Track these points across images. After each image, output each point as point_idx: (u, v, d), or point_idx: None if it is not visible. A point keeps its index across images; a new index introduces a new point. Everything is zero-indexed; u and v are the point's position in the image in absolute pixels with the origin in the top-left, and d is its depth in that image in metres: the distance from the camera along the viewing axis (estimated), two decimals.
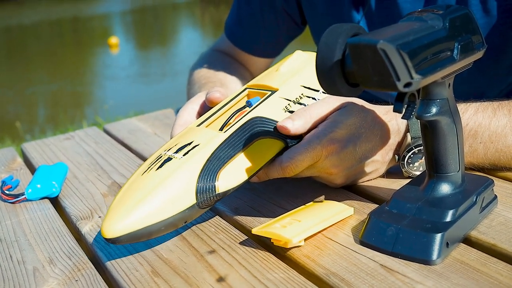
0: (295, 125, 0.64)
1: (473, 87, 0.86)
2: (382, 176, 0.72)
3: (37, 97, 6.21)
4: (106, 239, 0.56)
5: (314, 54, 0.78)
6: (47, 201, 0.76)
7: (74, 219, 0.70)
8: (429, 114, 0.54)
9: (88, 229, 0.67)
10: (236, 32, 1.12)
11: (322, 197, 0.67)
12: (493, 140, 0.67)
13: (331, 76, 0.51)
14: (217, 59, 1.09)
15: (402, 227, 0.54)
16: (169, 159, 0.60)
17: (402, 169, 0.69)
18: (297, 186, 0.72)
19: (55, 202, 0.77)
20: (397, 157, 0.69)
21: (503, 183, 0.67)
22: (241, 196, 0.71)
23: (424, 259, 0.52)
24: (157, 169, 0.59)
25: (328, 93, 0.53)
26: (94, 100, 5.97)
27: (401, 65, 0.46)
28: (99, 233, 0.65)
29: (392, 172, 0.71)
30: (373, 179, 0.71)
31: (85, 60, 8.72)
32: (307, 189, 0.71)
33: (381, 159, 0.69)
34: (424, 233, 0.53)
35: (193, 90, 0.96)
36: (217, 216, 0.67)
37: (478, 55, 0.55)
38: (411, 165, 0.69)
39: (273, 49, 1.11)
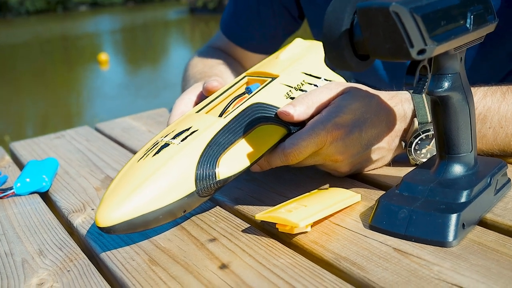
0: (297, 110, 0.61)
1: (477, 75, 0.84)
2: (388, 164, 0.69)
3: (26, 114, 6.15)
4: (100, 228, 0.52)
5: (315, 42, 0.76)
6: (36, 196, 0.73)
7: (66, 212, 0.66)
8: (441, 89, 0.51)
9: (80, 221, 0.63)
10: (232, 27, 1.10)
11: (327, 185, 0.64)
12: (503, 125, 0.65)
13: (339, 47, 0.48)
14: (213, 55, 1.06)
15: (415, 208, 0.51)
16: (166, 145, 0.57)
17: (409, 156, 0.66)
18: (300, 175, 0.69)
19: (45, 197, 0.73)
20: (403, 143, 0.66)
21: None
22: (241, 186, 0.68)
23: (440, 240, 0.49)
24: (154, 155, 0.56)
25: (335, 67, 0.51)
26: (84, 116, 5.91)
27: (414, 29, 0.43)
28: (93, 225, 0.62)
29: (399, 160, 0.68)
30: (379, 167, 0.68)
31: (74, 77, 8.68)
32: (310, 178, 0.68)
33: (387, 146, 0.66)
34: (439, 214, 0.50)
35: (189, 85, 0.93)
36: (217, 206, 0.63)
37: (490, 28, 0.53)
38: (418, 152, 0.66)
39: (270, 44, 1.09)
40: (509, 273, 0.44)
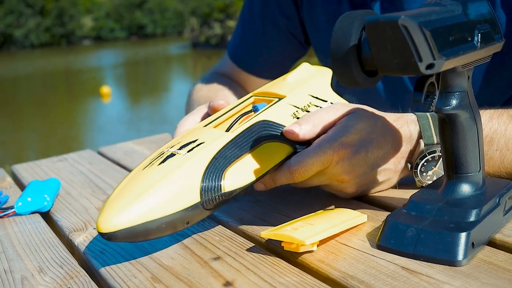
0: (303, 129, 0.61)
1: (479, 100, 0.84)
2: (394, 187, 0.68)
3: (26, 145, 6.16)
4: (101, 234, 0.51)
5: (322, 67, 0.76)
6: (37, 215, 0.72)
7: (67, 231, 0.65)
8: (448, 107, 0.51)
9: (82, 240, 0.62)
10: (239, 53, 1.11)
11: (332, 206, 0.63)
12: (510, 147, 0.64)
13: (347, 62, 0.48)
14: (217, 81, 1.06)
15: (424, 227, 0.50)
16: (172, 155, 0.57)
17: (415, 179, 0.66)
18: (305, 196, 0.69)
19: (46, 216, 0.72)
20: (409, 165, 0.66)
21: None
22: (245, 207, 0.67)
23: (449, 260, 0.48)
24: (159, 164, 0.56)
25: (342, 83, 0.50)
26: (85, 148, 5.92)
27: (423, 43, 0.43)
28: (94, 242, 0.60)
29: (404, 183, 0.68)
30: (385, 190, 0.68)
31: (76, 109, 8.73)
32: (314, 199, 0.67)
33: (394, 167, 0.65)
34: (448, 232, 0.49)
35: (193, 109, 0.93)
36: (220, 226, 0.63)
37: (497, 47, 0.53)
38: (424, 174, 0.65)
39: (276, 70, 1.09)
40: None
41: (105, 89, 9.61)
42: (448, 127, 0.53)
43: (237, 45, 1.11)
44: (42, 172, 0.92)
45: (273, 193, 0.71)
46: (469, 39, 0.48)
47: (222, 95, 0.97)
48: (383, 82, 0.94)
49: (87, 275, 0.54)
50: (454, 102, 0.51)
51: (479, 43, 0.49)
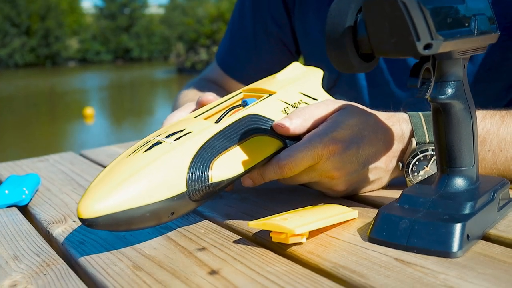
0: (293, 123, 0.59)
1: None
2: (385, 187, 0.66)
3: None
4: (82, 220, 0.48)
5: (313, 67, 0.75)
6: (14, 209, 0.69)
7: (45, 224, 0.62)
8: (444, 96, 0.50)
9: (60, 231, 0.59)
10: (227, 59, 1.09)
11: (322, 204, 0.62)
12: (503, 148, 0.63)
13: (342, 44, 0.47)
14: (205, 87, 1.05)
15: (417, 219, 0.49)
16: (158, 143, 0.55)
17: (406, 179, 0.64)
18: (293, 195, 0.67)
19: (24, 211, 0.69)
20: (400, 165, 0.64)
21: None
22: (232, 204, 0.65)
23: (444, 251, 0.46)
24: (145, 151, 0.53)
25: (337, 67, 0.49)
26: None
27: (421, 22, 0.42)
28: (73, 234, 0.58)
29: (395, 184, 0.66)
30: (376, 190, 0.66)
31: (58, 130, 8.63)
32: (303, 197, 0.65)
33: (385, 166, 0.64)
34: (442, 223, 0.48)
35: None
36: (206, 220, 0.60)
37: (493, 38, 0.52)
38: (415, 173, 0.64)
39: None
40: None
41: (89, 111, 9.54)
42: (442, 117, 0.52)
43: (225, 51, 1.10)
44: (22, 171, 0.89)
45: (260, 191, 0.69)
46: (466, 24, 0.48)
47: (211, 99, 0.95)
48: (368, 87, 0.93)
49: (65, 263, 0.51)
50: (449, 91, 0.50)
51: (475, 30, 0.48)
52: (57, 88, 16.83)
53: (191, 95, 0.99)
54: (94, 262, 0.50)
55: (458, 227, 0.47)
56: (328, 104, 0.62)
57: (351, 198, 0.65)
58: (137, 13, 43.65)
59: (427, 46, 0.43)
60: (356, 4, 0.47)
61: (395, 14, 0.42)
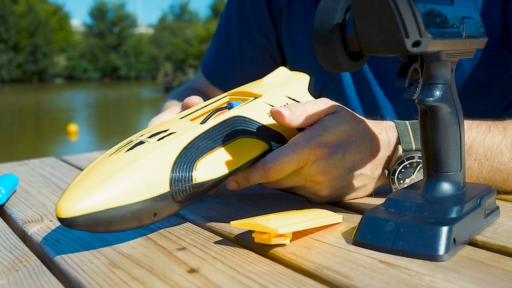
0: (291, 115, 0.58)
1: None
2: (370, 195, 0.66)
3: None
4: (60, 220, 0.47)
5: (299, 72, 0.75)
6: None
7: (21, 223, 0.60)
8: (431, 98, 0.50)
9: (36, 230, 0.57)
10: (213, 69, 1.09)
11: (306, 209, 0.60)
12: (488, 157, 0.63)
13: (330, 42, 0.46)
14: (190, 95, 1.03)
15: (403, 221, 0.48)
16: (141, 142, 0.53)
17: (392, 186, 0.63)
18: (277, 201, 0.66)
19: (0, 210, 0.67)
20: (386, 172, 0.63)
21: (501, 202, 0.62)
22: (214, 207, 0.64)
23: (430, 254, 0.45)
24: (127, 151, 0.52)
25: (325, 66, 0.48)
26: None
27: (411, 18, 0.41)
28: (49, 233, 0.56)
29: (381, 192, 0.65)
30: (361, 197, 0.65)
31: (41, 147, 8.54)
32: (287, 203, 0.64)
33: (370, 173, 0.63)
34: (429, 226, 0.47)
35: None
36: (187, 222, 0.59)
37: (481, 42, 0.52)
38: (401, 181, 0.63)
39: None
40: (508, 284, 0.40)
41: (73, 127, 9.46)
42: (429, 121, 0.51)
43: (211, 61, 1.10)
44: (1, 174, 0.86)
45: (244, 196, 0.67)
46: (455, 26, 0.47)
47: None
48: (355, 98, 0.93)
49: (39, 260, 0.49)
50: (437, 93, 0.50)
51: (464, 32, 0.48)
52: (43, 105, 16.72)
53: (175, 103, 0.98)
54: (69, 260, 0.48)
55: (444, 230, 0.46)
56: (325, 102, 0.61)
57: (336, 204, 0.64)
58: (126, 32, 43.81)
59: (416, 44, 0.42)
60: (345, 1, 0.47)
61: (384, 9, 0.41)
